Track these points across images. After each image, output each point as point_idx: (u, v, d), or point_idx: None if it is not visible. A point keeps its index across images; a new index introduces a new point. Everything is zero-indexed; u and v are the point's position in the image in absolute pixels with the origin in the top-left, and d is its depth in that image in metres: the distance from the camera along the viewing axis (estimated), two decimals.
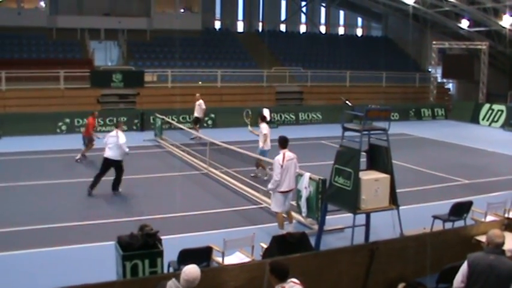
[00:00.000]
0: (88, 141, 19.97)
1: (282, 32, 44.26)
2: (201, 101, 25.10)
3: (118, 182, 15.41)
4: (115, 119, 27.13)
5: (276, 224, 12.20)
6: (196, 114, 25.29)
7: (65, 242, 11.42)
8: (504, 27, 33.25)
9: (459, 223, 11.49)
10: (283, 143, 11.96)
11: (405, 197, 12.23)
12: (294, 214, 12.59)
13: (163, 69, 32.12)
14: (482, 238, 8.42)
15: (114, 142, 15.13)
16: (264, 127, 16.99)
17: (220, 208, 14.25)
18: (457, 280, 6.52)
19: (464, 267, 6.47)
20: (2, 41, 32.16)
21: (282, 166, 11.56)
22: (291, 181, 11.87)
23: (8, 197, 14.95)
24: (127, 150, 15.26)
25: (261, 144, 16.90)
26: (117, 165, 15.28)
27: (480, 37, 36.61)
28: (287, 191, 11.86)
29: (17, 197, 15.00)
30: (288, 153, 11.81)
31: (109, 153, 15.19)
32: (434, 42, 38.00)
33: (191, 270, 5.97)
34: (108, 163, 15.26)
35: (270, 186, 11.86)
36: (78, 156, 19.79)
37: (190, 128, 24.60)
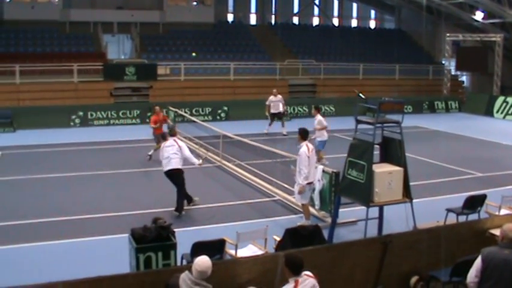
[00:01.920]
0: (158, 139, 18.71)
1: (294, 24, 44.13)
2: (280, 96, 24.84)
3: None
4: (128, 112, 27.30)
5: (289, 216, 12.23)
6: (275, 110, 24.49)
7: (78, 235, 11.49)
8: None
9: (473, 216, 11.43)
10: (305, 134, 12.08)
11: (419, 190, 12.18)
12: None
13: (176, 62, 32.12)
14: (496, 231, 8.37)
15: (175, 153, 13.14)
16: (321, 119, 18.12)
17: (233, 201, 14.28)
18: (471, 275, 6.49)
19: (478, 262, 6.43)
20: (16, 35, 32.38)
21: (308, 157, 11.69)
22: (313, 172, 12.05)
23: (21, 190, 15.06)
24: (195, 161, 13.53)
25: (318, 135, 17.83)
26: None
27: (494, 29, 36.26)
28: (311, 182, 12.00)
29: (30, 190, 15.11)
30: (309, 145, 11.96)
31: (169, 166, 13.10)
32: (448, 34, 37.69)
33: (203, 260, 6.02)
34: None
35: (300, 181, 11.79)
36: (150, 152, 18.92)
37: (270, 123, 24.55)
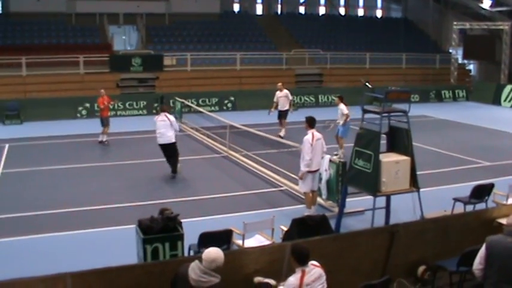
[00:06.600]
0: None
1: (301, 14, 43.90)
2: (286, 91, 21.71)
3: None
4: (134, 103, 27.33)
5: (296, 206, 12.23)
6: (282, 107, 21.52)
7: (86, 226, 11.54)
8: None
9: (480, 206, 11.41)
10: (311, 122, 12.10)
11: (426, 180, 12.14)
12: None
13: (182, 52, 32.05)
14: (504, 221, 8.36)
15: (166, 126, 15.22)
16: (343, 107, 18.03)
17: (240, 191, 14.30)
18: (476, 262, 6.56)
19: (482, 250, 6.48)
20: (22, 27, 32.35)
21: (311, 145, 11.71)
22: (318, 160, 12.03)
23: (29, 182, 15.11)
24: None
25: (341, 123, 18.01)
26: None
27: (502, 17, 35.99)
28: (315, 171, 12.00)
29: (38, 182, 15.17)
30: (316, 133, 11.98)
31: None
32: (455, 23, 37.44)
33: (214, 251, 5.94)
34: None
35: (302, 168, 11.87)
36: (104, 138, 20.29)
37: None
